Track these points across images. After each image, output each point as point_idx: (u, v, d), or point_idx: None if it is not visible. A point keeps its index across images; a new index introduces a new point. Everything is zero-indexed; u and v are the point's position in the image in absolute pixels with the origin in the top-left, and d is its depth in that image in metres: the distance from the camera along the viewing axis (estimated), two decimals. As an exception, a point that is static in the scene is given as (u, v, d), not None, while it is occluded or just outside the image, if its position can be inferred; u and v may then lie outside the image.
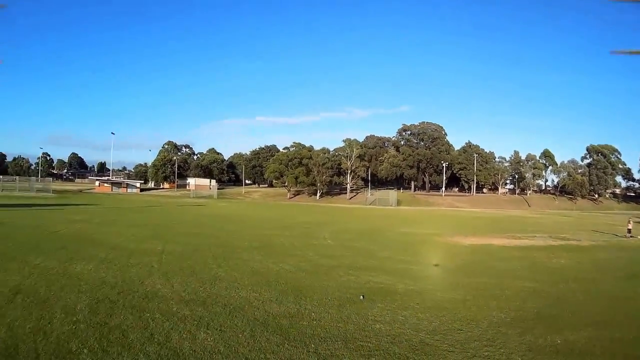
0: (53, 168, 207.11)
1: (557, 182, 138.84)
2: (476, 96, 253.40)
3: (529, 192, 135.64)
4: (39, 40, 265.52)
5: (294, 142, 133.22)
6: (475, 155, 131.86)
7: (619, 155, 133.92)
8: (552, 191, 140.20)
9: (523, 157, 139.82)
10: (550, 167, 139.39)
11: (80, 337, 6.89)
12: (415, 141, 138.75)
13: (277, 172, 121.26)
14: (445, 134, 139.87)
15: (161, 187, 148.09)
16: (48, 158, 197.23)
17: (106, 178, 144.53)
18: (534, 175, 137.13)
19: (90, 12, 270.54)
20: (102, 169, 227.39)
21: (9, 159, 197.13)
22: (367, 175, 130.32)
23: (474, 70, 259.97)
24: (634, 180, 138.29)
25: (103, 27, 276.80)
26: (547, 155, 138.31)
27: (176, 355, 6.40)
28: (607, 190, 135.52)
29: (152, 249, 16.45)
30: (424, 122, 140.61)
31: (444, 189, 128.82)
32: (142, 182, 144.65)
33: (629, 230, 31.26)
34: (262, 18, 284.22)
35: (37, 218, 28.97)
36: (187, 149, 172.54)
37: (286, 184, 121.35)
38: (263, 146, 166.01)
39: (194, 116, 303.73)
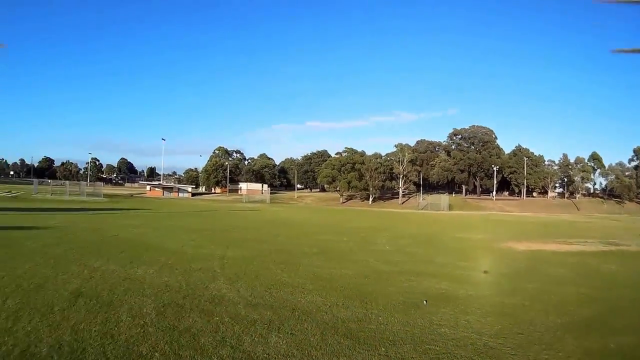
0: (102, 172, 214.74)
1: (605, 185, 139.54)
2: (523, 98, 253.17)
3: (578, 195, 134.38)
4: (87, 49, 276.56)
5: (346, 147, 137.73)
6: (525, 158, 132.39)
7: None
8: (600, 194, 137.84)
9: (572, 160, 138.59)
10: (598, 170, 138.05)
11: (150, 340, 6.93)
12: (465, 145, 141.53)
13: (330, 177, 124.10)
14: (495, 137, 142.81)
15: (212, 191, 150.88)
16: (97, 163, 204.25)
17: (157, 182, 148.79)
18: (582, 178, 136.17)
19: (140, 19, 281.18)
20: (152, 173, 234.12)
21: (56, 163, 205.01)
22: (419, 179, 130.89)
23: (519, 72, 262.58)
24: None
25: (154, 33, 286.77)
26: (595, 157, 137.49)
27: (250, 359, 6.45)
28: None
29: (212, 254, 16.64)
30: (474, 125, 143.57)
31: (494, 193, 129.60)
32: (194, 186, 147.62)
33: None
34: (310, 23, 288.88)
35: (91, 222, 29.93)
36: (238, 154, 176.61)
37: (338, 189, 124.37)
38: (315, 151, 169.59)
39: (244, 122, 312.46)
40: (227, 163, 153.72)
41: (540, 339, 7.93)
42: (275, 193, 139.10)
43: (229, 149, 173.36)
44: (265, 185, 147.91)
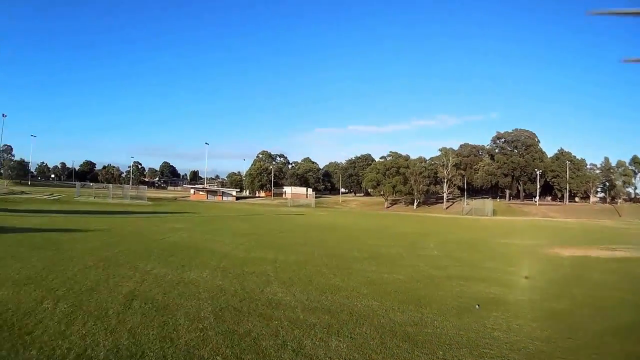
0: (144, 176, 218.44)
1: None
2: (563, 101, 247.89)
3: (619, 200, 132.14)
4: (127, 49, 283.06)
5: (390, 152, 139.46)
6: (567, 162, 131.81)
7: None
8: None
9: (613, 164, 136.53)
10: (639, 174, 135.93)
11: (211, 344, 7.01)
12: (509, 149, 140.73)
13: (375, 181, 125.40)
14: (538, 140, 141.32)
15: (257, 195, 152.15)
16: (139, 166, 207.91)
17: (201, 186, 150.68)
18: (623, 182, 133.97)
19: (181, 19, 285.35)
20: (195, 177, 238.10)
21: (98, 167, 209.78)
22: (463, 184, 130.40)
23: (559, 76, 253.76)
24: None
25: (196, 35, 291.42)
26: (636, 161, 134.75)
27: (312, 363, 6.55)
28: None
29: (264, 257, 16.84)
30: (517, 129, 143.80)
31: (537, 197, 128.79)
32: (238, 190, 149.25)
33: None
34: (353, 27, 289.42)
35: (137, 225, 30.61)
36: (282, 158, 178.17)
37: (383, 193, 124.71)
38: (359, 155, 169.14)
39: (286, 126, 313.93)
40: (271, 167, 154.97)
41: (588, 344, 8.17)
42: (319, 197, 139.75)
43: (272, 153, 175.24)
44: (310, 189, 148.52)
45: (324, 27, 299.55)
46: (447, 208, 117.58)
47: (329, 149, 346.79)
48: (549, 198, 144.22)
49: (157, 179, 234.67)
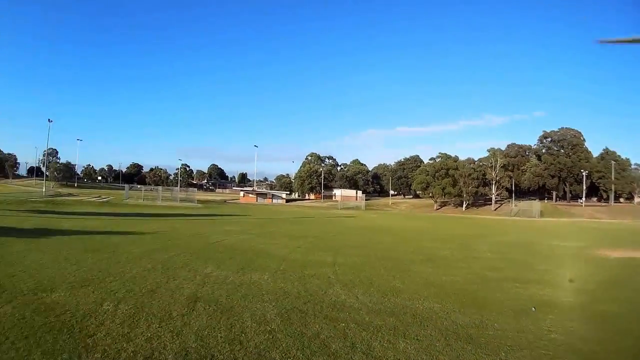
0: (192, 178, 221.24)
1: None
2: (608, 99, 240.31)
3: None
4: (169, 47, 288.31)
5: (439, 153, 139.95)
6: (612, 162, 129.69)
7: None
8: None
9: None
10: None
11: (281, 347, 7.09)
12: (555, 149, 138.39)
13: (424, 183, 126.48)
14: (584, 139, 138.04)
15: (306, 197, 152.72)
16: (187, 169, 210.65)
17: (250, 188, 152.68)
18: None
19: (222, 19, 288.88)
20: (243, 179, 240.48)
21: (145, 169, 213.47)
22: (511, 185, 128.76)
23: (602, 74, 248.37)
24: None
25: (242, 36, 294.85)
26: None
27: (383, 364, 6.72)
28: None
29: (322, 260, 17.00)
30: (563, 127, 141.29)
31: (583, 199, 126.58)
32: (288, 192, 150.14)
33: None
34: (399, 28, 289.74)
35: (191, 228, 31.19)
36: (331, 160, 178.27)
37: (432, 195, 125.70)
38: (407, 157, 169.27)
39: (333, 128, 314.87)
40: (321, 169, 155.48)
41: (638, 345, 8.58)
42: (368, 199, 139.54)
43: (321, 155, 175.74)
44: (359, 192, 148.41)
45: (374, 28, 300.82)
46: (495, 210, 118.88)
47: (376, 150, 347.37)
48: (595, 199, 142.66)
49: (205, 181, 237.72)
